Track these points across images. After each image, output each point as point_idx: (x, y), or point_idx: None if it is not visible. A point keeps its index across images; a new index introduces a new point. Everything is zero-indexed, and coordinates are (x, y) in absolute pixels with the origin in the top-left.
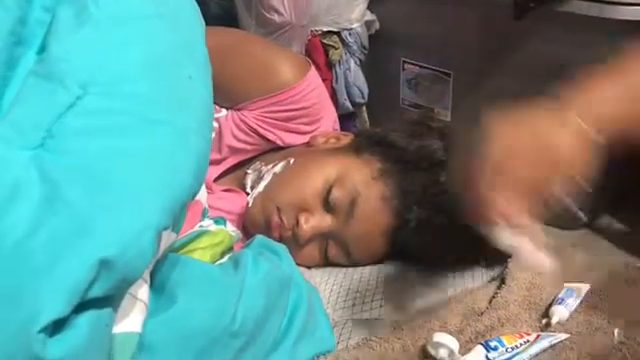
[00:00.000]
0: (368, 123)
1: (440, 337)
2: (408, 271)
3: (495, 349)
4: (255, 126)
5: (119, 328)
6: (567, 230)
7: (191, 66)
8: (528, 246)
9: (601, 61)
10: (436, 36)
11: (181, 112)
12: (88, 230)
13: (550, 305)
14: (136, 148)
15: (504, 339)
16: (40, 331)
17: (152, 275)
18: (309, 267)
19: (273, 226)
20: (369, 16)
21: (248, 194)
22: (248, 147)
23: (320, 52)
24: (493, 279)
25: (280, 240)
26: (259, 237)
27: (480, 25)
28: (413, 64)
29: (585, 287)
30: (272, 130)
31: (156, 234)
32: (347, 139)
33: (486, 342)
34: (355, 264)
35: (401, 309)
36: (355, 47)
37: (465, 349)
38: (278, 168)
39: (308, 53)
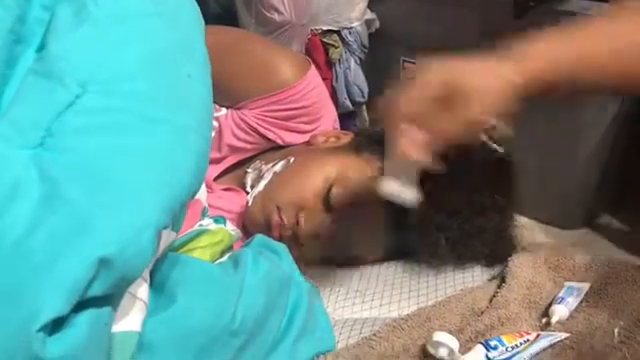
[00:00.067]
0: (368, 122)
1: (440, 336)
2: (408, 270)
3: (495, 348)
4: (255, 125)
5: (119, 327)
6: (567, 230)
7: (190, 65)
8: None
9: None
10: (436, 36)
11: (180, 111)
12: (87, 228)
13: (550, 304)
14: (135, 146)
15: (504, 338)
16: (39, 330)
17: (152, 274)
18: (309, 266)
19: (273, 225)
20: (369, 15)
21: (248, 193)
22: (248, 146)
23: (320, 51)
24: (493, 278)
25: (280, 239)
26: (259, 236)
27: (480, 25)
28: (413, 63)
29: (585, 286)
30: (272, 129)
31: (156, 233)
32: (347, 138)
33: (486, 341)
34: (355, 263)
35: (401, 308)
36: (355, 46)
37: (465, 348)
38: (278, 167)
39: (308, 52)
